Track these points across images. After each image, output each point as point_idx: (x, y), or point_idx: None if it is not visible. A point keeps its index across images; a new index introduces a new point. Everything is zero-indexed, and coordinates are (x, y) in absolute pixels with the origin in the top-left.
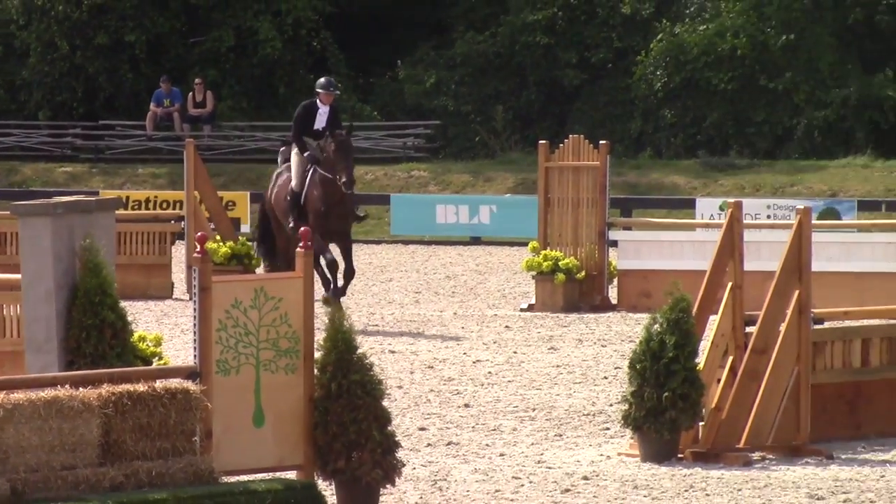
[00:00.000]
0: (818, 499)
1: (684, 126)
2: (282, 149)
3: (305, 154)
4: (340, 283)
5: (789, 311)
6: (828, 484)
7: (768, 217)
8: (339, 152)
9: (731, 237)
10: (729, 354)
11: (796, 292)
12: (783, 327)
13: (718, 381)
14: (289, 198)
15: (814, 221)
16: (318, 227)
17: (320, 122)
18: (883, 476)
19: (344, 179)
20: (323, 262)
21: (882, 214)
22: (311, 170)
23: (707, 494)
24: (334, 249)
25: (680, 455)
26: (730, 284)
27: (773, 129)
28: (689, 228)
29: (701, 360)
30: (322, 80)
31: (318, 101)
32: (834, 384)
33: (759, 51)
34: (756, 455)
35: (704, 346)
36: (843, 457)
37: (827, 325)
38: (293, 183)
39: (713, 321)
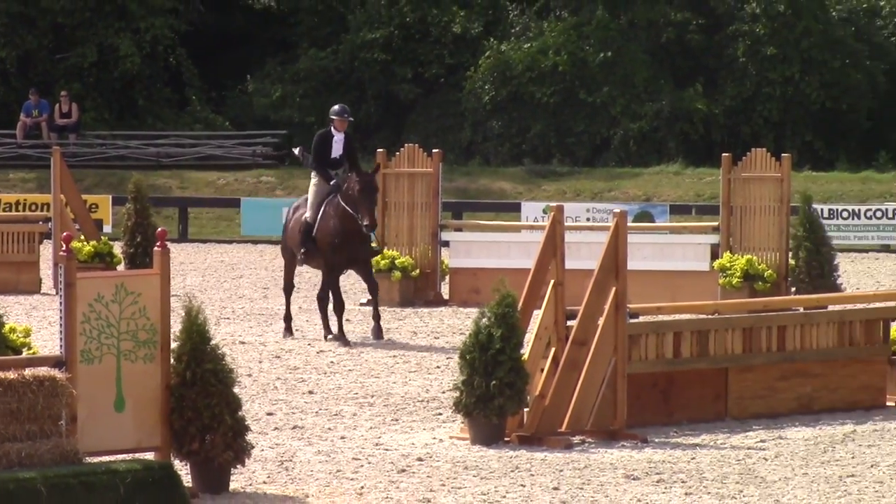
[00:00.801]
0: (633, 479)
1: (510, 136)
2: (302, 152)
3: (331, 182)
4: (366, 299)
5: (607, 307)
6: (643, 465)
7: (588, 220)
8: (363, 192)
9: (553, 238)
10: (551, 346)
11: (613, 289)
12: (601, 321)
13: (542, 370)
14: (301, 229)
15: (629, 224)
16: (329, 261)
17: (337, 150)
18: (693, 458)
19: (367, 222)
20: (329, 304)
21: (692, 217)
22: (331, 198)
23: (532, 475)
24: (354, 277)
25: (507, 438)
26: (552, 282)
27: (592, 139)
28: (515, 230)
29: (526, 352)
30: (336, 107)
31: (332, 128)
32: (648, 374)
33: (579, 67)
34: (576, 439)
35: (529, 338)
36: (657, 440)
37: (642, 319)
38: (307, 214)
39: (537, 315)
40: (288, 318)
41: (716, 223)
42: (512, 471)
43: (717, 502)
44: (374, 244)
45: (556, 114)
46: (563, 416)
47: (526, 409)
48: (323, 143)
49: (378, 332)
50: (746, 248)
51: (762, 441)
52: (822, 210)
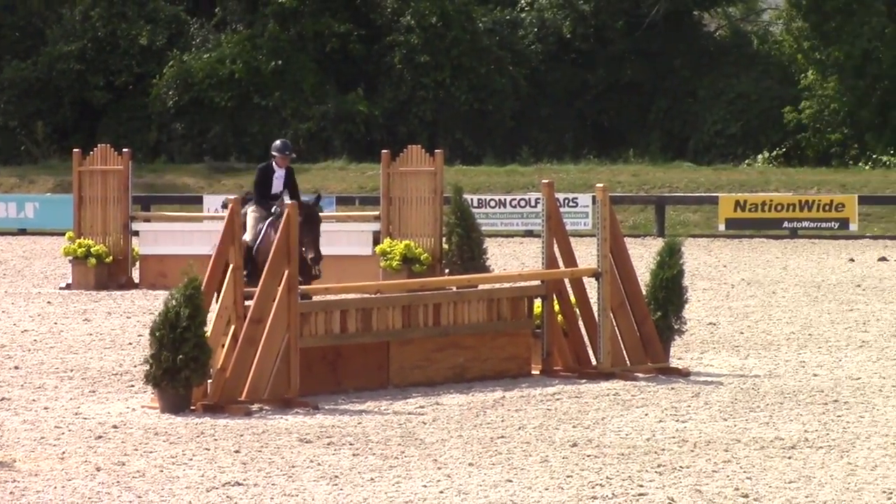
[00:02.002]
0: (307, 442)
1: (193, 136)
2: (246, 208)
3: (273, 209)
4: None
5: (281, 288)
6: (314, 430)
7: None
8: (306, 224)
9: (231, 227)
10: (231, 324)
11: (286, 272)
12: (276, 301)
13: (223, 346)
14: (242, 252)
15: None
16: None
17: (277, 185)
18: (360, 423)
19: (311, 255)
20: None
21: (356, 208)
22: (271, 220)
23: (215, 439)
24: None
25: (192, 407)
26: (231, 266)
27: (265, 139)
28: (198, 220)
29: (209, 329)
30: (278, 142)
31: (273, 163)
32: (318, 348)
33: (253, 74)
34: (255, 407)
35: (211, 317)
36: (327, 407)
37: (312, 299)
38: (247, 237)
39: (217, 298)
40: None
41: (377, 213)
42: (198, 436)
43: (381, 462)
44: (316, 272)
45: (234, 116)
46: (243, 387)
47: (209, 381)
48: (264, 178)
49: None
50: (404, 234)
51: (421, 407)
52: (471, 200)
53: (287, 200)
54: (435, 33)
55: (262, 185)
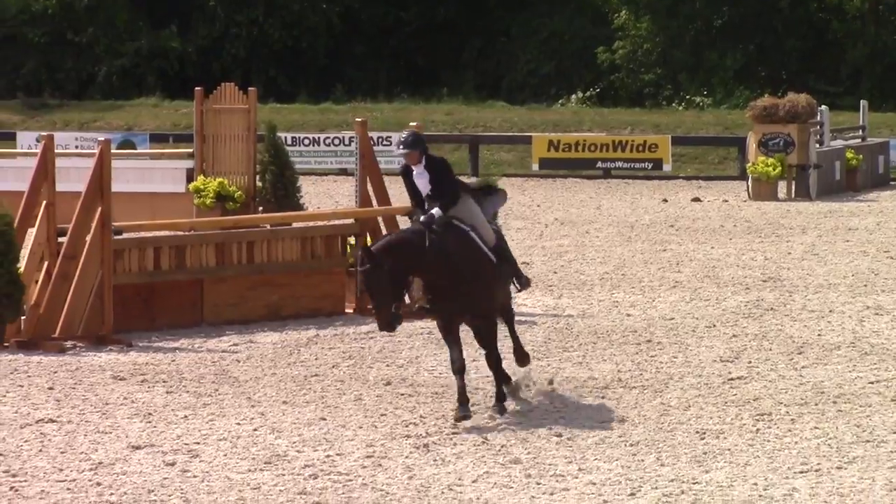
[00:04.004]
0: (120, 379)
1: (6, 73)
2: None
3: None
4: None
5: (94, 225)
6: (128, 367)
7: (77, 147)
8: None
9: (44, 164)
10: (45, 260)
11: (99, 209)
12: (89, 238)
13: (37, 282)
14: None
15: (113, 151)
16: None
17: (423, 186)
18: (174, 360)
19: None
20: None
21: (170, 145)
22: None
23: (29, 376)
24: None
25: (6, 344)
26: (44, 203)
27: (79, 75)
28: (12, 157)
29: (22, 265)
30: (401, 135)
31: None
32: (132, 284)
33: (67, 10)
34: (69, 343)
35: (25, 253)
36: (141, 345)
37: (125, 235)
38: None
39: (31, 233)
40: None
41: (191, 150)
42: (11, 373)
43: (195, 399)
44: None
45: (47, 52)
46: (57, 323)
47: (23, 318)
48: (406, 182)
49: None
50: (218, 171)
51: (235, 345)
52: (286, 138)
53: (435, 211)
54: None
55: (408, 191)
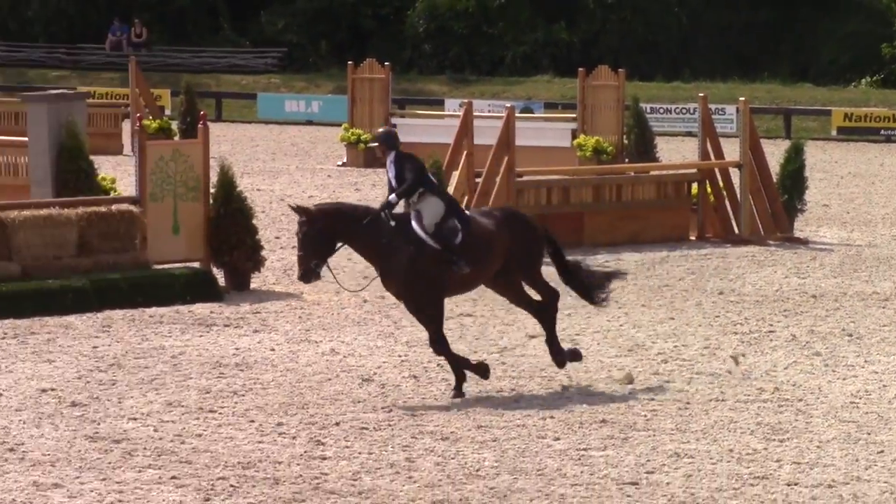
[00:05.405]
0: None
1: (437, 55)
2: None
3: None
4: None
5: (502, 170)
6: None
7: (489, 111)
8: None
9: (465, 124)
10: (465, 195)
11: (506, 158)
12: (498, 179)
13: None
14: None
15: (517, 115)
16: None
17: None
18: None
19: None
20: None
21: (559, 111)
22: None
23: None
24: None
25: None
26: (465, 153)
27: (492, 58)
28: (441, 118)
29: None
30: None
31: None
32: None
33: (483, 8)
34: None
35: (451, 189)
36: None
37: (525, 178)
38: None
39: (455, 175)
40: None
41: (574, 115)
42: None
43: (575, 300)
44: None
45: (468, 40)
46: None
47: None
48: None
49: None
50: (595, 132)
51: (606, 262)
52: (646, 108)
53: (392, 197)
54: None
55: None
